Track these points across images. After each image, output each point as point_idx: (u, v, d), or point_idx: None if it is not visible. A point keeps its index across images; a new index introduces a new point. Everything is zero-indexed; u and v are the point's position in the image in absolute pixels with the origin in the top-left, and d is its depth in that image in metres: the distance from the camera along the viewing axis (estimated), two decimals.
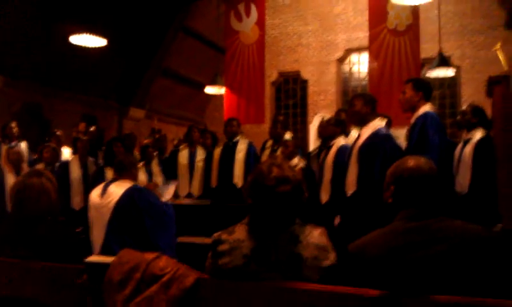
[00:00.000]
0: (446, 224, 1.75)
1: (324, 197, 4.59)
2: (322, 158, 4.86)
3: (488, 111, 4.49)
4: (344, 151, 4.44)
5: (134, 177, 3.63)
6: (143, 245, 3.28)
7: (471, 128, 4.64)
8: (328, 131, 4.89)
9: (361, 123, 3.78)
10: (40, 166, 5.94)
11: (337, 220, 4.14)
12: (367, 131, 3.68)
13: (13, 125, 6.94)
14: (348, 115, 4.32)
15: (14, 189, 2.50)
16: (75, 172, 6.08)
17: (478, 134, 4.55)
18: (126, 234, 3.33)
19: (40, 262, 2.13)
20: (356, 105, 3.79)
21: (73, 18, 7.21)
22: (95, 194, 3.47)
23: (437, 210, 1.80)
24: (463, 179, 4.47)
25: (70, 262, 2.12)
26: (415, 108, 3.73)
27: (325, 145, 5.03)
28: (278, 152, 5.41)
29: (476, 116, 4.66)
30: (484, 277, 1.64)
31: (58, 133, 7.46)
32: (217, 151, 6.34)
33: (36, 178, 2.47)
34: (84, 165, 6.18)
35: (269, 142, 6.17)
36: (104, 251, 3.25)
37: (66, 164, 6.25)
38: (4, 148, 6.52)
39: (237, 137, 6.25)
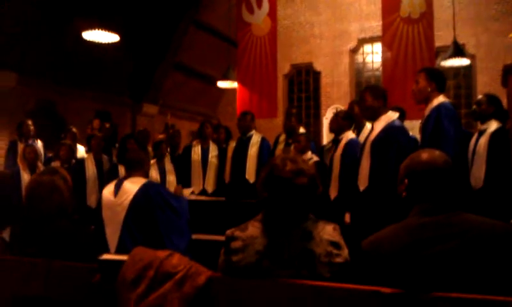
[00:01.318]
0: (462, 218, 1.73)
1: (333, 193, 4.55)
2: (331, 153, 4.82)
3: (504, 101, 4.41)
4: (352, 146, 4.41)
5: (145, 173, 3.61)
6: (158, 241, 3.28)
7: (486, 118, 4.55)
8: (336, 125, 4.85)
9: (374, 117, 3.74)
10: (55, 164, 6.00)
11: (347, 217, 4.11)
12: (380, 124, 3.64)
13: (30, 123, 7.00)
14: (361, 111, 4.28)
15: (27, 187, 2.53)
16: (90, 170, 6.13)
17: (493, 125, 4.47)
18: (141, 231, 3.32)
19: (53, 260, 2.15)
20: (367, 100, 3.74)
21: (86, 14, 7.24)
22: (107, 193, 3.43)
23: (452, 204, 1.77)
24: (478, 172, 4.40)
25: (84, 260, 2.13)
26: (428, 99, 3.67)
27: (335, 139, 5.00)
28: (292, 147, 5.38)
29: (492, 105, 4.57)
30: (501, 273, 1.61)
31: (74, 130, 7.52)
32: (232, 147, 6.32)
33: (49, 176, 2.48)
34: (98, 163, 6.22)
35: (282, 137, 6.12)
36: (119, 250, 3.22)
37: (81, 161, 6.31)
38: (21, 146, 6.60)
39: (251, 132, 6.22)
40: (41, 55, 8.71)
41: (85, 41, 7.02)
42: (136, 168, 3.53)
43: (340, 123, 4.82)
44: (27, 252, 2.28)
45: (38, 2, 8.21)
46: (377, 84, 10.89)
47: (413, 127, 6.87)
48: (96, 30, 6.66)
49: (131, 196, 3.33)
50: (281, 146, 5.95)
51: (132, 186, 3.39)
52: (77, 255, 2.21)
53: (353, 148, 4.30)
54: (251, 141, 6.13)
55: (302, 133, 5.51)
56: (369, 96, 3.76)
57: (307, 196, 1.89)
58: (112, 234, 3.32)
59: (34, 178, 2.57)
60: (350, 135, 4.73)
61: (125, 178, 3.49)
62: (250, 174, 5.97)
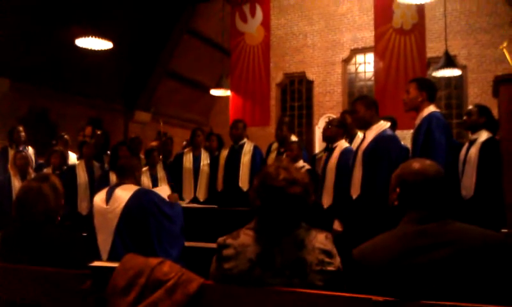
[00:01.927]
0: (453, 227, 1.74)
1: (327, 201, 4.55)
2: (324, 161, 4.81)
3: (495, 112, 4.45)
4: (347, 154, 4.41)
5: (137, 180, 3.59)
6: (150, 249, 3.26)
7: (476, 129, 4.59)
8: (330, 132, 4.84)
9: (366, 126, 3.76)
10: (47, 170, 5.96)
11: (336, 224, 4.10)
12: (372, 133, 3.67)
13: (21, 129, 6.96)
14: (353, 121, 4.30)
15: (17, 194, 2.52)
16: (82, 176, 6.09)
17: (483, 135, 4.50)
18: (134, 238, 3.30)
19: (43, 267, 2.13)
20: (359, 111, 3.77)
21: (79, 21, 7.24)
22: (99, 200, 3.41)
23: (443, 213, 1.78)
24: (469, 182, 4.42)
25: (74, 267, 2.12)
26: (418, 108, 3.70)
27: (328, 147, 5.00)
28: (284, 155, 5.38)
29: (482, 116, 4.60)
30: (491, 282, 1.62)
31: (65, 136, 7.49)
32: (223, 155, 6.30)
33: (36, 183, 2.46)
34: (89, 170, 6.19)
35: (275, 145, 6.13)
36: (111, 257, 3.20)
37: (72, 168, 6.26)
38: (11, 152, 6.56)
39: (243, 140, 6.22)
40: (34, 62, 8.68)
41: (78, 47, 7.01)
42: (127, 175, 3.52)
43: (335, 130, 4.81)
44: (17, 258, 2.26)
45: (31, 8, 8.20)
46: (368, 94, 10.97)
47: (405, 137, 6.92)
48: (90, 37, 6.66)
49: (123, 204, 3.32)
50: (273, 155, 5.95)
51: (123, 193, 3.37)
52: (66, 262, 2.19)
53: (349, 157, 4.31)
54: (244, 149, 6.12)
55: (294, 142, 5.51)
56: (361, 106, 3.79)
57: (300, 204, 1.90)
58: (104, 241, 3.30)
59: (23, 185, 2.56)
60: (344, 144, 4.73)
61: (117, 185, 3.47)
62: (243, 182, 5.96)
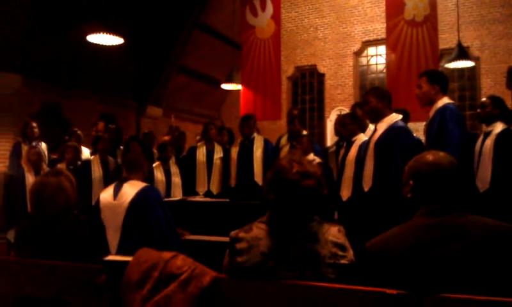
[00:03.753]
0: (467, 219, 1.72)
1: (346, 193, 4.55)
2: (342, 155, 4.80)
3: (509, 103, 4.39)
4: None
5: (145, 176, 3.61)
6: (157, 242, 3.27)
7: (491, 120, 4.54)
8: (347, 131, 4.82)
9: (378, 118, 3.74)
10: (61, 166, 6.01)
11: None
12: (383, 125, 3.64)
13: (34, 125, 7.03)
14: (364, 113, 4.27)
15: (33, 189, 2.54)
16: (97, 171, 6.14)
17: (498, 127, 4.45)
18: (141, 232, 3.31)
19: (58, 261, 2.15)
20: (371, 102, 3.75)
21: (90, 17, 7.26)
22: (106, 195, 3.43)
23: (458, 205, 1.77)
24: (484, 174, 4.37)
25: (90, 261, 2.14)
26: (433, 102, 3.68)
27: (343, 141, 4.97)
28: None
29: (497, 107, 4.55)
30: (506, 274, 1.60)
31: (78, 132, 7.54)
32: (235, 150, 6.30)
33: (54, 177, 2.49)
34: (104, 165, 6.23)
35: (284, 139, 6.13)
36: (119, 251, 3.23)
37: (87, 163, 6.31)
38: (25, 148, 6.62)
39: (253, 135, 6.23)
40: (46, 58, 8.74)
41: (90, 43, 7.05)
42: (135, 170, 3.53)
43: (350, 128, 4.81)
44: (33, 252, 2.29)
45: (43, 5, 8.25)
46: (380, 86, 10.90)
47: (418, 129, 6.87)
48: (101, 33, 6.69)
49: (130, 198, 3.34)
50: (286, 148, 5.95)
51: (131, 189, 3.38)
52: (84, 255, 2.22)
53: None
54: (255, 144, 6.13)
55: (304, 135, 5.50)
56: (373, 97, 3.76)
57: (313, 198, 1.89)
58: (113, 235, 3.32)
59: (39, 180, 2.58)
60: (363, 137, 4.72)
61: (125, 180, 3.48)
62: (259, 177, 5.97)
